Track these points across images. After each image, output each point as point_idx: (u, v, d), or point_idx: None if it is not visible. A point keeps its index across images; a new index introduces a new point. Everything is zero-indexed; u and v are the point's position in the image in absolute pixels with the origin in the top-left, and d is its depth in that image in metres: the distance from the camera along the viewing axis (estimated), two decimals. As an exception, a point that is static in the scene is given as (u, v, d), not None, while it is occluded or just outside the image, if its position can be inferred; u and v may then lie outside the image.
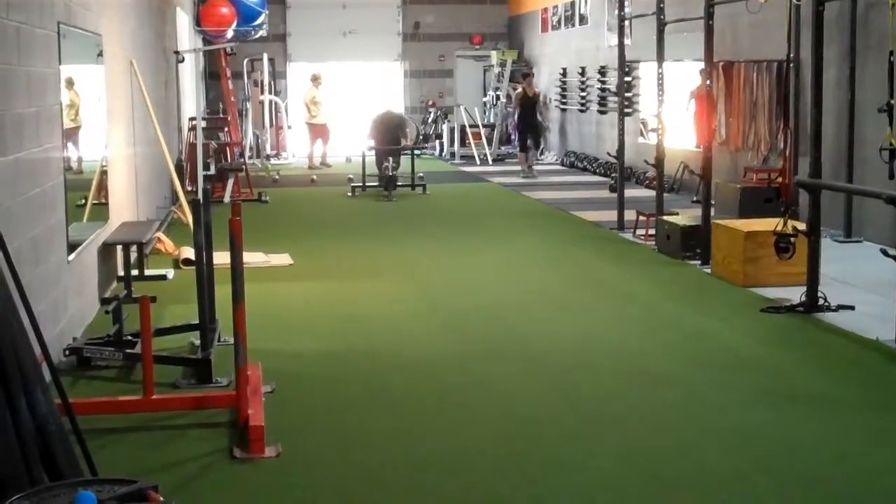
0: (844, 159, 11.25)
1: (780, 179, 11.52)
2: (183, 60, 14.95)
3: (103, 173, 9.01)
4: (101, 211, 8.91)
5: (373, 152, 16.86)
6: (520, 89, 20.04)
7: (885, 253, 7.11)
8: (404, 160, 17.01)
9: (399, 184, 16.29)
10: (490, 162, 21.87)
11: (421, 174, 16.85)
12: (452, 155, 22.66)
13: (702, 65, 12.29)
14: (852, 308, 7.94)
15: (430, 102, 25.13)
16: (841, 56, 11.27)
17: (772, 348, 7.13)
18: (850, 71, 11.18)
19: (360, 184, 16.48)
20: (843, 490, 4.68)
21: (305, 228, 13.09)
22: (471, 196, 16.47)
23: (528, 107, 19.68)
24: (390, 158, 16.36)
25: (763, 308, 8.12)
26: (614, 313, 8.25)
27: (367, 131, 17.27)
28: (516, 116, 20.11)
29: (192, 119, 16.72)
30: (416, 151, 17.91)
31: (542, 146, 20.55)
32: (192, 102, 18.26)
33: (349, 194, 16.29)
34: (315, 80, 21.60)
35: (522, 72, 20.89)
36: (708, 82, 10.94)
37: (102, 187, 9.04)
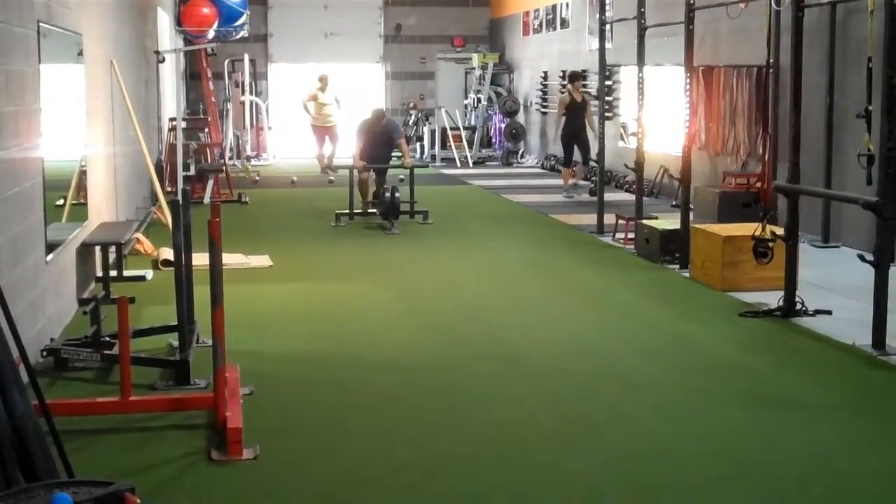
0: (823, 165, 11.32)
1: (758, 184, 11.55)
2: (164, 60, 14.89)
3: (82, 173, 8.98)
4: (79, 211, 8.87)
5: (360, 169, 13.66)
6: (565, 94, 16.97)
7: (862, 258, 7.14)
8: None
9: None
10: (471, 164, 21.89)
11: (397, 179, 14.92)
12: (433, 157, 22.65)
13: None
14: (830, 313, 7.99)
15: (411, 105, 25.12)
16: (820, 62, 11.33)
17: (750, 352, 7.16)
18: (829, 77, 11.24)
19: (347, 211, 13.39)
20: (820, 495, 4.70)
21: (286, 229, 13.06)
22: (451, 199, 16.47)
23: (576, 114, 16.53)
24: (373, 174, 13.87)
25: (741, 312, 8.15)
26: (593, 316, 8.27)
27: (352, 141, 14.05)
28: (561, 125, 16.68)
29: (172, 119, 16.67)
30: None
31: (588, 160, 16.73)
32: (172, 103, 18.17)
33: (333, 224, 13.27)
34: (321, 80, 20.03)
35: (572, 74, 17.25)
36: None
37: (81, 187, 9.00)
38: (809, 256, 10.07)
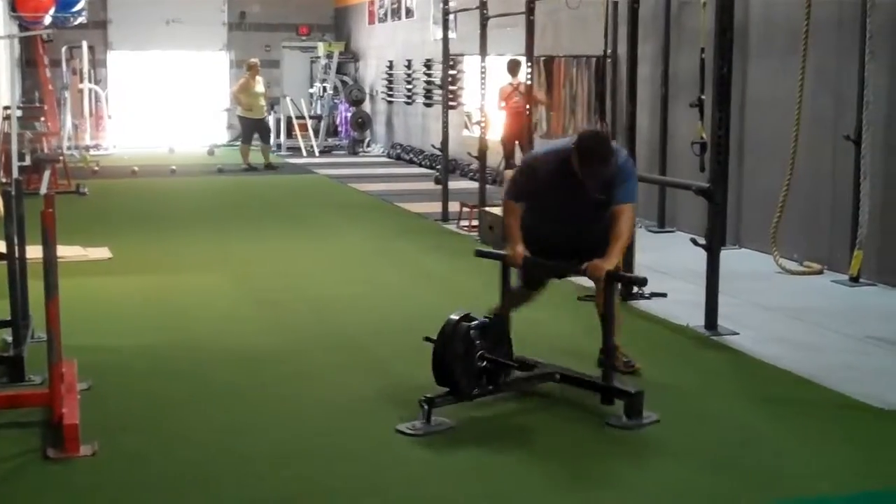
0: (658, 152, 11.65)
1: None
2: (-5, 47, 14.40)
3: None
4: None
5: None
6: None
7: (694, 242, 7.39)
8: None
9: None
10: (317, 154, 21.80)
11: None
12: (279, 146, 22.47)
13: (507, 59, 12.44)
14: (665, 295, 8.22)
15: (257, 93, 24.83)
16: (655, 52, 11.65)
17: (588, 335, 7.31)
18: (664, 67, 11.57)
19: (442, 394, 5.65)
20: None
21: (126, 221, 12.78)
22: (297, 188, 16.38)
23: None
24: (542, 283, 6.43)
25: (580, 296, 8.30)
26: (439, 303, 8.32)
27: (507, 194, 6.16)
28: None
29: (6, 108, 16.11)
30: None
31: None
32: (6, 90, 17.60)
33: (410, 430, 5.27)
34: (252, 68, 19.14)
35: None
36: (528, 78, 11.08)
37: None
38: (646, 241, 10.34)
